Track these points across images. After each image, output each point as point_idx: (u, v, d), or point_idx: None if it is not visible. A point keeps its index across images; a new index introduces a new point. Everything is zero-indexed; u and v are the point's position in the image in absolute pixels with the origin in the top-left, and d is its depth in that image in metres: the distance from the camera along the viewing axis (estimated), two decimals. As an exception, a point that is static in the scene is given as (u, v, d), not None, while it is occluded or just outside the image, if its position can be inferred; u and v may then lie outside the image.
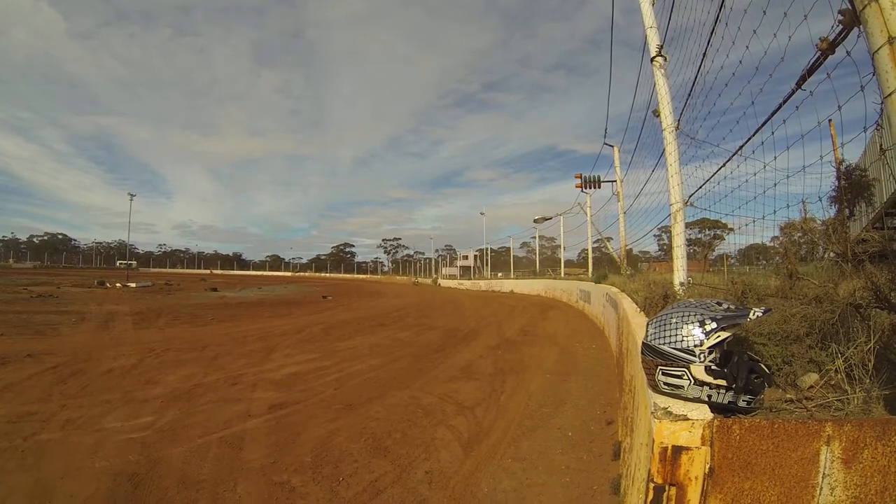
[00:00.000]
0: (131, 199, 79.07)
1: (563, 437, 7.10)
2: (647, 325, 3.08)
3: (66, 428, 7.69)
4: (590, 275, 30.46)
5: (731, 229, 6.97)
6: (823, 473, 2.42)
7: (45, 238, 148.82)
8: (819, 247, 3.97)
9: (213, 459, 6.62)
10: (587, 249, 37.32)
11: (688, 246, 9.60)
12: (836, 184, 3.80)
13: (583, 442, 6.91)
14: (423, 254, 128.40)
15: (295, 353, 14.04)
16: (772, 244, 5.01)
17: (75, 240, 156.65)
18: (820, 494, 2.42)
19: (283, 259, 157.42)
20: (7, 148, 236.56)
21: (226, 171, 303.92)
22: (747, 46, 5.17)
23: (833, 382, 3.10)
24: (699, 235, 57.90)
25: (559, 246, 50.49)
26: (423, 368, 11.90)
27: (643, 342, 3.04)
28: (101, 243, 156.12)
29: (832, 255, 3.92)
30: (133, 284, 50.82)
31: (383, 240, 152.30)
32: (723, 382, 2.66)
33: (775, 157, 4.79)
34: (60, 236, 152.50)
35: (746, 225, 5.74)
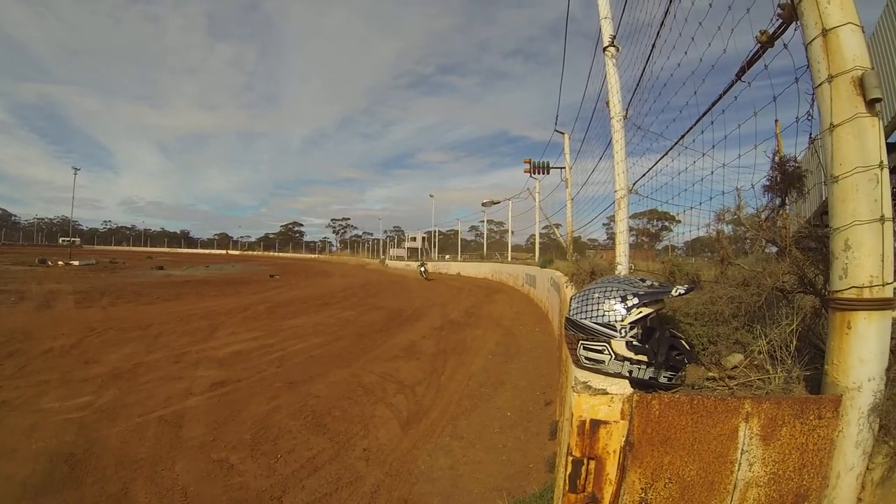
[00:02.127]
0: (75, 173, 76.11)
1: (501, 417, 7.20)
2: (571, 299, 3.12)
3: (1, 409, 7.55)
4: (536, 260, 30.69)
5: (679, 221, 7.08)
6: (742, 449, 2.49)
7: None
8: (758, 238, 4.07)
9: (152, 438, 6.60)
10: (535, 235, 37.67)
11: (636, 236, 9.75)
12: (770, 174, 3.91)
13: (521, 422, 7.02)
14: (371, 234, 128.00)
15: (239, 331, 13.96)
16: (706, 233, 5.13)
17: (15, 215, 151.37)
18: (739, 470, 2.50)
19: (232, 237, 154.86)
20: None
21: (175, 147, 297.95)
22: (692, 38, 5.26)
23: (756, 363, 3.19)
24: (647, 226, 58.68)
25: (507, 230, 50.86)
26: (366, 347, 11.93)
27: (566, 317, 3.07)
28: (42, 219, 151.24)
29: (771, 247, 4.02)
30: (76, 262, 49.56)
31: (332, 219, 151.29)
32: (644, 358, 2.70)
33: (713, 146, 4.91)
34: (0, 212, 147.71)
35: (684, 211, 5.88)
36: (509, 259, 43.81)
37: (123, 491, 5.28)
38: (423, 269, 44.48)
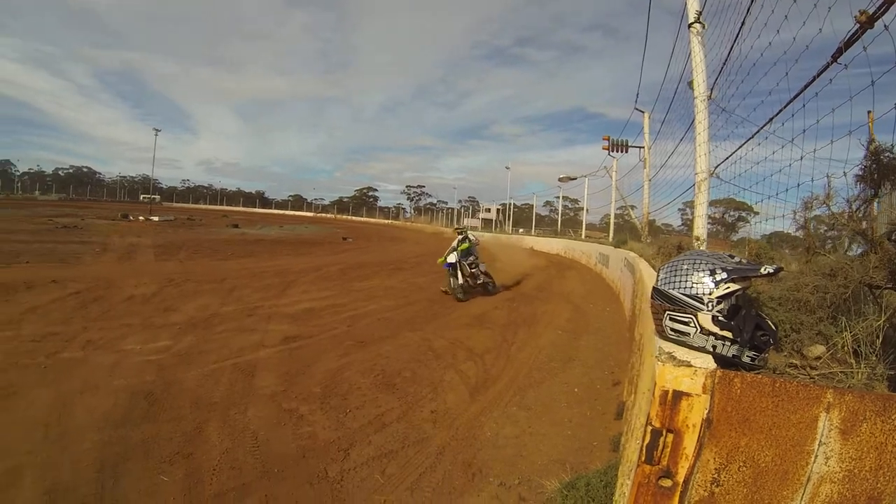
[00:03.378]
0: (156, 134, 79.41)
1: (568, 393, 7.19)
2: (659, 270, 3.06)
3: (87, 348, 8.07)
4: (610, 239, 30.23)
5: (757, 212, 6.90)
6: (820, 441, 2.41)
7: (71, 171, 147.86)
8: (847, 231, 3.94)
9: (225, 384, 6.91)
10: (609, 214, 36.91)
11: (711, 224, 9.54)
12: (863, 163, 3.78)
13: (588, 399, 6.98)
14: (445, 203, 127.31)
15: (311, 289, 14.25)
16: (793, 223, 4.96)
17: (100, 173, 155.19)
18: (814, 462, 2.42)
19: (306, 199, 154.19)
20: (32, 82, 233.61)
21: (251, 110, 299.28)
22: (786, 16, 5.08)
23: (839, 356, 3.11)
24: (724, 215, 56.98)
25: (581, 208, 49.99)
26: (437, 313, 12.10)
27: (653, 287, 3.01)
28: (125, 177, 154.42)
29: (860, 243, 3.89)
30: (156, 218, 51.66)
31: (407, 186, 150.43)
32: (728, 334, 2.65)
33: (804, 131, 4.75)
34: (86, 169, 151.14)
35: (763, 201, 5.73)
36: (583, 237, 43.16)
37: (197, 430, 5.59)
38: (455, 259, 15.30)
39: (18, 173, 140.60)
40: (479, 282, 15.58)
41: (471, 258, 15.59)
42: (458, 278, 14.96)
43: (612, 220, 36.43)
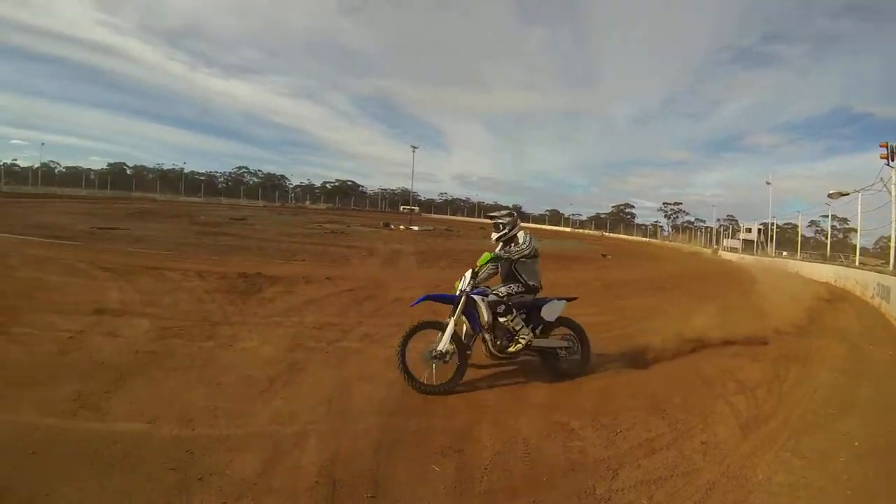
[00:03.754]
0: (413, 151, 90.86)
1: (847, 445, 6.64)
2: None
3: (363, 340, 9.24)
4: (891, 266, 27.45)
5: None
6: None
7: (336, 184, 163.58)
8: None
9: (496, 390, 7.43)
10: (889, 237, 33.24)
11: None
12: None
13: (870, 455, 6.40)
14: (703, 221, 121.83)
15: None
16: None
17: (362, 186, 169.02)
18: None
19: (563, 214, 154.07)
20: (300, 111, 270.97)
21: (501, 126, 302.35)
22: None
23: None
24: None
25: (851, 229, 45.93)
26: (706, 338, 11.74)
27: None
28: (385, 189, 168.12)
29: None
30: (415, 227, 56.23)
31: (664, 203, 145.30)
32: None
33: None
34: (350, 183, 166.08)
35: None
36: (856, 263, 39.28)
37: (469, 429, 6.08)
38: (467, 287, 7.71)
39: (291, 186, 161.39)
40: (515, 348, 7.80)
41: (511, 288, 7.98)
42: (444, 332, 7.39)
43: (892, 244, 32.84)
